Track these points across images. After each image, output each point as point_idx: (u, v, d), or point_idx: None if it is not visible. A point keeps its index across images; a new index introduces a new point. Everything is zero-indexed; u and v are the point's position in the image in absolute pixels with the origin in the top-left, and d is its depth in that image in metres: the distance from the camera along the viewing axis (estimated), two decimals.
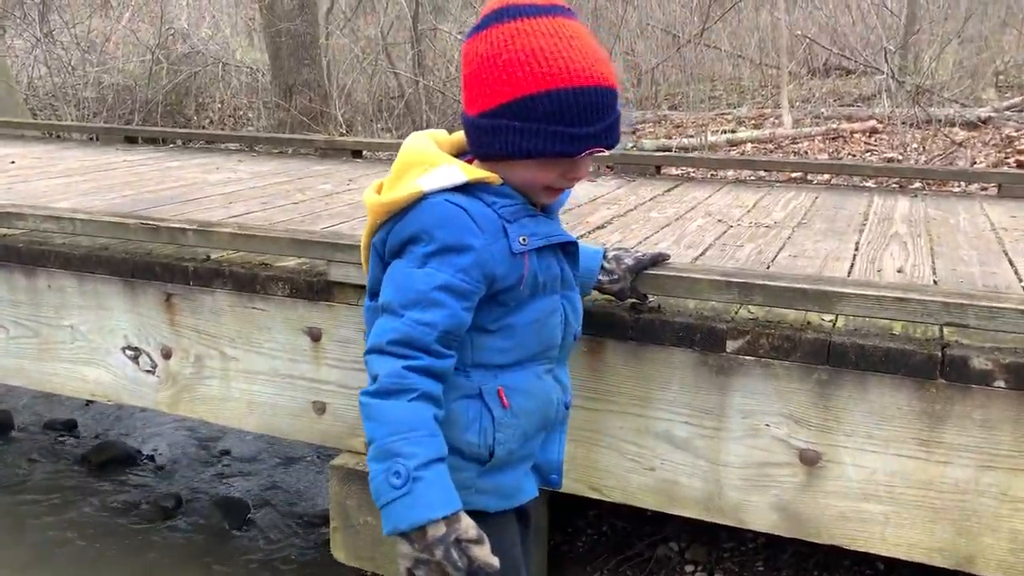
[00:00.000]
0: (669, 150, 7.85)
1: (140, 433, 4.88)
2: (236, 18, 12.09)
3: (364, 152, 5.00)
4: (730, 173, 4.54)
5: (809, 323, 2.04)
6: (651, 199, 3.73)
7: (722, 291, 1.98)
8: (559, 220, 1.66)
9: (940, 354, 1.85)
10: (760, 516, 2.08)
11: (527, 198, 1.51)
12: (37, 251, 2.72)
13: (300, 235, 2.37)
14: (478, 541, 1.35)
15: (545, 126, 1.38)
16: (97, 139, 5.53)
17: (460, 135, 1.56)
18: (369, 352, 1.43)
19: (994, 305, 1.78)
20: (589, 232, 3.01)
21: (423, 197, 1.43)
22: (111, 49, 12.56)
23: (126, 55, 12.18)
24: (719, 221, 3.27)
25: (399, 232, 1.45)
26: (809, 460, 2.00)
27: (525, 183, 1.48)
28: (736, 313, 2.10)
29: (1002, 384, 1.81)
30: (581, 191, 3.91)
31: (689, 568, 3.12)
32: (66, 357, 2.78)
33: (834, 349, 1.92)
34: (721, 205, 3.62)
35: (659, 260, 2.04)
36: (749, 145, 8.50)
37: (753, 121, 9.83)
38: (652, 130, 9.95)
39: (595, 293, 2.02)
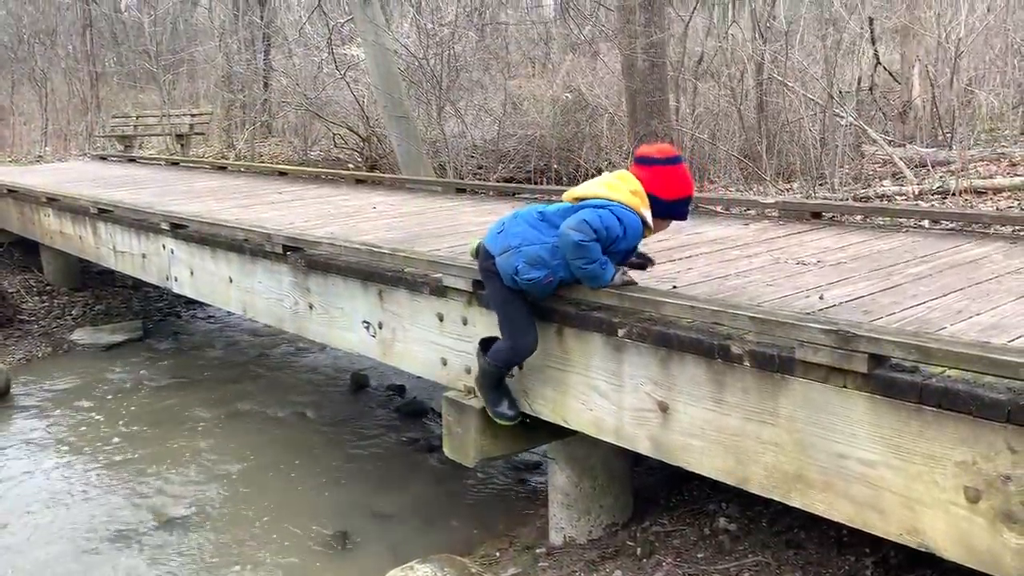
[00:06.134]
0: (945, 192, 8.03)
1: (438, 399, 6.93)
2: (613, 78, 14.24)
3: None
4: (880, 220, 5.11)
5: (670, 320, 3.16)
6: (755, 241, 4.72)
7: (614, 298, 3.22)
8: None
9: (717, 343, 2.90)
10: (641, 443, 3.25)
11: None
12: (328, 264, 4.75)
13: (430, 257, 4.05)
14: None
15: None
16: (441, 190, 7.76)
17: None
18: None
19: (733, 312, 2.81)
20: (661, 261, 4.20)
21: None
22: (525, 108, 15.58)
23: (531, 111, 15.06)
24: (775, 259, 4.22)
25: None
26: (663, 408, 3.14)
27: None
28: (627, 313, 3.29)
29: (748, 364, 2.82)
30: (713, 232, 5.02)
31: (721, 519, 4.15)
32: (337, 325, 4.78)
33: (667, 337, 3.06)
34: (812, 248, 4.50)
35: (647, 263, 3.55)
36: None
37: None
38: (979, 168, 9.80)
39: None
